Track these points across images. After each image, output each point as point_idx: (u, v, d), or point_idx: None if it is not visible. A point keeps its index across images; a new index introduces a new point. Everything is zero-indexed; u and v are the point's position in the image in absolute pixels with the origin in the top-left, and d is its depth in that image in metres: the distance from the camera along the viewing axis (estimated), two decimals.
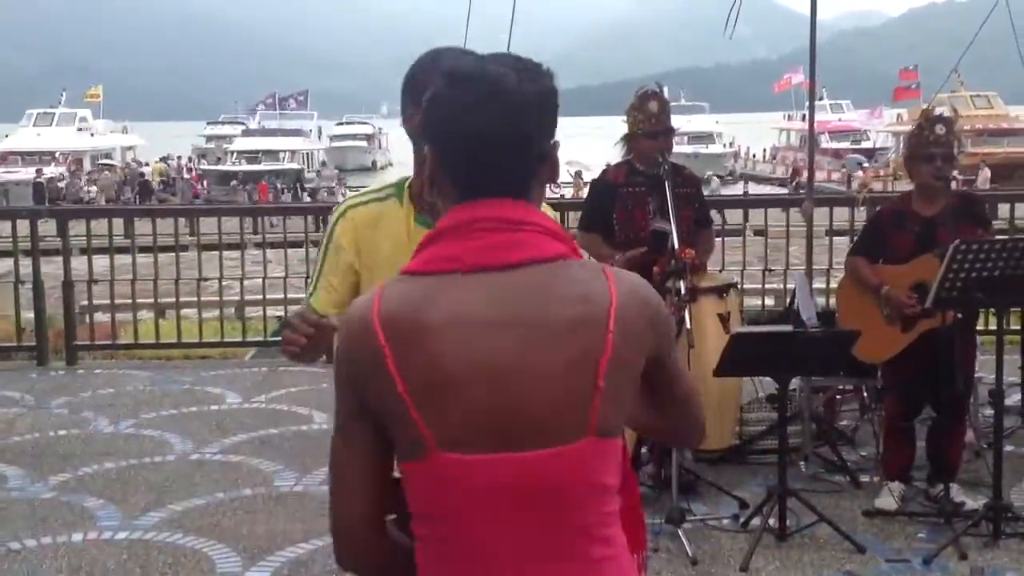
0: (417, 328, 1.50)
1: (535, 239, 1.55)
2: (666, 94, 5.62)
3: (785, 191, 37.16)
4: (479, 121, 1.53)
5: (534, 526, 1.51)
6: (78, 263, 8.52)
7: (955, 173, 4.89)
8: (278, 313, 9.05)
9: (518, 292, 1.52)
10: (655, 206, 4.91)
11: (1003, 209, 7.75)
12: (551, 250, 1.55)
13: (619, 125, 5.26)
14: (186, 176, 47.59)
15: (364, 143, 64.04)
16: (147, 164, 51.01)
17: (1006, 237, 4.56)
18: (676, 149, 5.52)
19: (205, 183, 45.34)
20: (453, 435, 1.49)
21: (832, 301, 6.67)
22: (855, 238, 5.47)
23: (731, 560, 4.28)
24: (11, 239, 8.51)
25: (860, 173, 41.60)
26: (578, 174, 36.60)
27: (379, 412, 1.54)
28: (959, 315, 4.61)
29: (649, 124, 5.02)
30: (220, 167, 49.11)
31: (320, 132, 64.08)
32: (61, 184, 41.48)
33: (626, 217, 5.03)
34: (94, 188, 42.03)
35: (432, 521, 1.54)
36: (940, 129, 4.73)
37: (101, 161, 47.96)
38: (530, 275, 1.53)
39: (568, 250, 1.58)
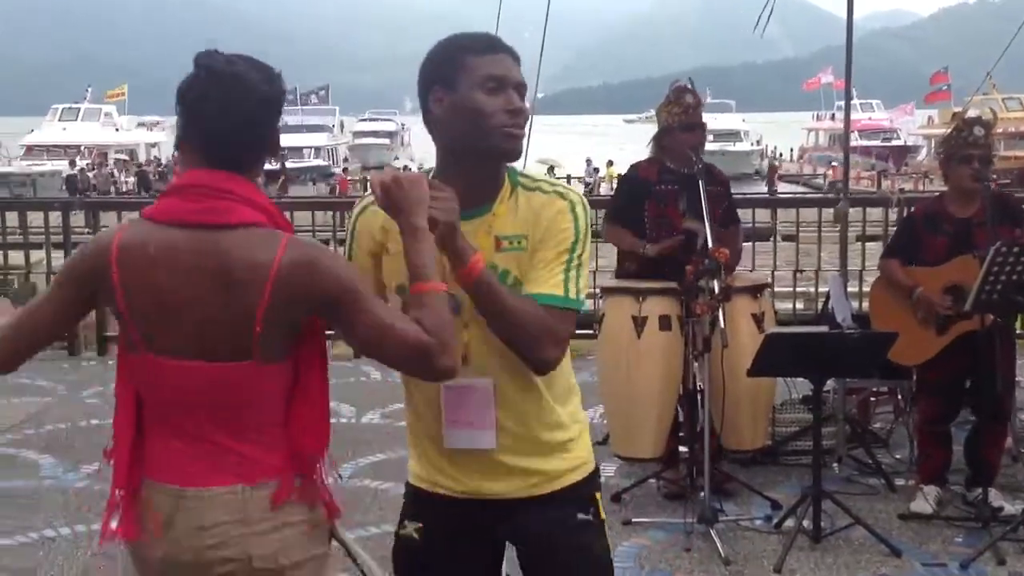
0: (140, 259, 2.02)
1: (235, 207, 2.00)
2: None
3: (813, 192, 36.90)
4: (219, 109, 1.98)
5: (209, 416, 2.06)
6: None
7: (992, 175, 4.84)
8: None
9: (212, 247, 1.98)
10: (685, 206, 4.87)
11: None
12: (245, 217, 2.00)
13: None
14: None
15: (386, 140, 63.84)
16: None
17: None
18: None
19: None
20: (156, 343, 2.05)
21: (865, 305, 6.62)
22: (888, 240, 5.42)
23: (764, 561, 4.25)
24: (43, 230, 8.57)
25: (830, 172, 41.30)
26: (550, 169, 36.86)
27: (106, 306, 2.11)
28: (997, 318, 4.56)
29: (686, 116, 4.99)
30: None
31: (342, 127, 64.05)
32: (91, 174, 41.75)
33: (658, 215, 4.98)
34: (132, 179, 42.45)
35: (145, 404, 2.13)
36: (979, 131, 4.69)
37: (114, 156, 47.97)
38: (223, 236, 1.99)
39: (262, 218, 2.02)
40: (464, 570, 2.32)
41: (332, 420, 2.33)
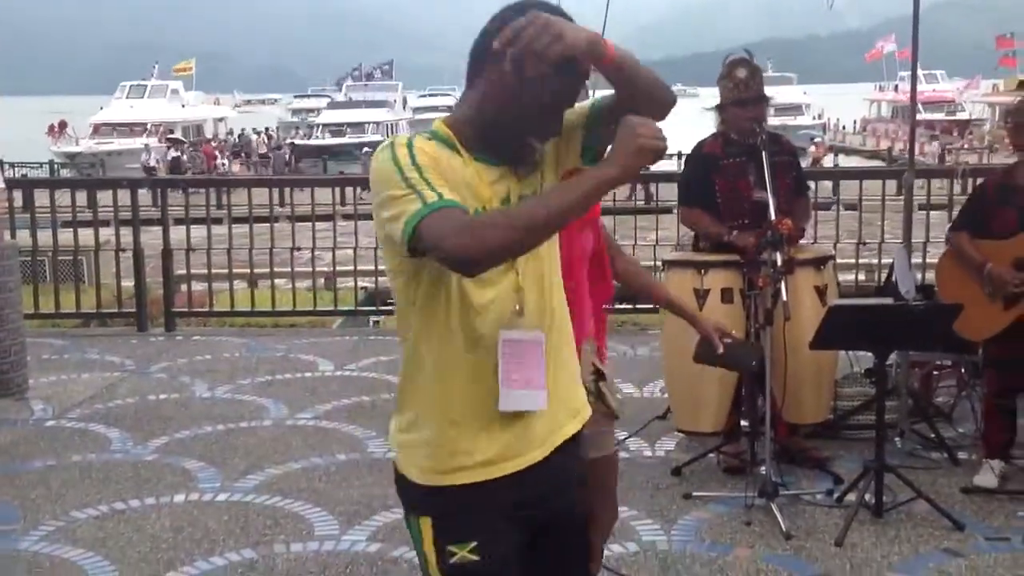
0: None
1: None
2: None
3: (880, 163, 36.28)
4: None
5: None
6: (175, 232, 8.73)
7: None
8: (367, 283, 9.18)
9: None
10: (755, 177, 4.82)
11: None
12: None
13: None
14: (278, 150, 47.98)
15: (446, 114, 63.95)
16: (257, 133, 51.81)
17: None
18: None
19: (291, 156, 45.39)
20: None
21: (929, 276, 6.52)
22: (953, 211, 5.33)
23: (826, 535, 4.23)
24: (112, 208, 8.74)
25: (812, 148, 40.33)
26: None
27: None
28: None
29: (737, 91, 4.91)
30: (308, 141, 49.57)
31: (405, 103, 64.26)
32: (183, 157, 41.80)
33: (729, 188, 4.94)
34: (226, 161, 42.63)
35: None
36: None
37: (169, 136, 47.94)
38: None
39: None
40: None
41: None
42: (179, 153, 40.43)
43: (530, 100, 2.00)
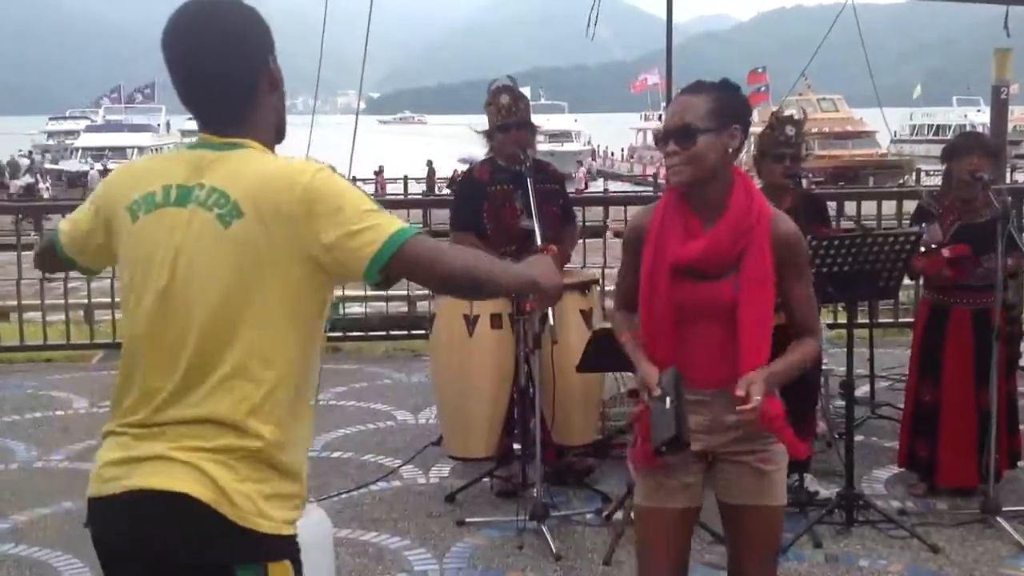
0: None
1: None
2: (528, 93, 5.60)
3: (645, 189, 37.78)
4: None
5: None
6: None
7: (807, 173, 5.03)
8: None
9: None
10: (522, 203, 4.87)
11: (849, 207, 8.05)
12: None
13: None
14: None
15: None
16: None
17: (856, 233, 4.70)
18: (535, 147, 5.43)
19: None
20: None
21: None
22: None
23: (594, 554, 4.30)
24: None
25: (582, 173, 42.52)
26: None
27: None
28: None
29: (501, 117, 4.99)
30: (63, 167, 46.98)
31: (169, 126, 62.11)
32: None
33: (495, 215, 4.98)
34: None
35: None
36: (790, 130, 4.87)
37: None
38: None
39: None
40: None
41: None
42: None
43: None
